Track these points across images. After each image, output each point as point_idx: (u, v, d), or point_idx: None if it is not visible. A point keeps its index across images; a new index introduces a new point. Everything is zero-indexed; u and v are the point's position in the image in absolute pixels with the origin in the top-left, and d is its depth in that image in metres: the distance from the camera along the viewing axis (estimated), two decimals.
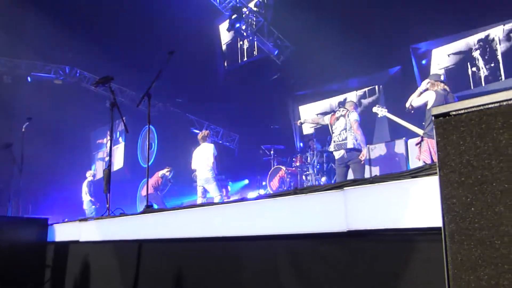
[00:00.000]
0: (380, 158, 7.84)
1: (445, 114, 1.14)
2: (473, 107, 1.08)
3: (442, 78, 5.99)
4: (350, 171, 6.93)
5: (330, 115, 7.41)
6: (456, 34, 9.47)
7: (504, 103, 1.03)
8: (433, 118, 1.18)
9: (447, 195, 1.08)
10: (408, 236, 1.67)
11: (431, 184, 1.60)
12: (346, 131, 6.84)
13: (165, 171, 10.91)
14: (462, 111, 1.11)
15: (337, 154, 6.96)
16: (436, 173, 1.63)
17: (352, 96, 11.62)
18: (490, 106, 1.05)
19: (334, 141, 7.04)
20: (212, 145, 8.40)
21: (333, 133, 7.12)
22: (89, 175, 12.15)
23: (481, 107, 1.07)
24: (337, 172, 7.17)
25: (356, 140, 6.73)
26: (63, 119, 13.75)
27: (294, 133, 13.14)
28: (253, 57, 14.38)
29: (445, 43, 9.75)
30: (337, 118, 7.09)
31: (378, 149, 7.92)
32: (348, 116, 6.90)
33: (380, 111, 6.83)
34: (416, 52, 10.30)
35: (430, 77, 6.08)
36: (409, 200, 1.70)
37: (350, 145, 6.72)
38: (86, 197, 11.77)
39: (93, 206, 11.59)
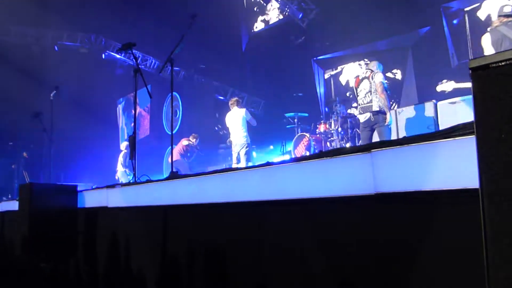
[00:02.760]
0: (408, 122, 7.64)
1: (484, 67, 1.05)
2: None
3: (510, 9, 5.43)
4: (375, 134, 6.79)
5: (354, 78, 7.21)
6: None
7: None
8: (470, 71, 1.09)
9: (486, 153, 1.00)
10: (439, 198, 1.60)
11: (464, 145, 1.52)
12: (371, 93, 6.64)
13: (191, 138, 10.96)
14: (503, 63, 1.02)
15: (362, 117, 6.79)
16: (469, 133, 1.55)
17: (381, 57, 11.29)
18: None
19: (359, 104, 6.88)
20: (244, 109, 8.44)
21: (358, 96, 6.94)
22: (123, 147, 12.20)
23: None
24: (361, 136, 7.02)
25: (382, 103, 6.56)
26: (89, 87, 13.90)
27: (319, 98, 12.95)
28: (277, 21, 14.09)
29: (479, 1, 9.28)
30: (361, 80, 6.89)
31: (406, 112, 7.70)
32: (372, 78, 6.69)
33: (447, 86, 6.50)
34: (447, 12, 9.87)
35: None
36: (441, 161, 1.62)
37: (375, 107, 6.54)
38: (120, 168, 11.93)
39: (129, 177, 11.70)
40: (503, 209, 0.95)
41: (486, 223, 0.98)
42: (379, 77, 6.63)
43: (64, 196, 5.21)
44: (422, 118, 7.42)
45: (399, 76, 10.98)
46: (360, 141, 7.49)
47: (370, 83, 6.68)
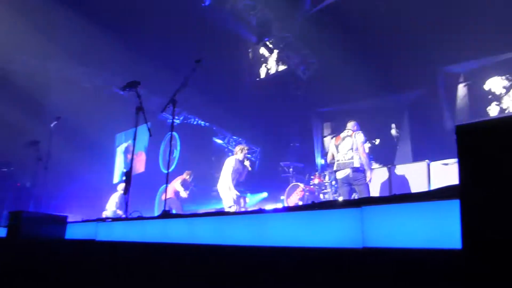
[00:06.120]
0: (401, 180, 7.72)
1: (469, 133, 1.12)
2: (500, 122, 1.05)
3: None
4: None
5: (335, 137, 7.38)
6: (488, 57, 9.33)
7: None
8: (456, 137, 1.16)
9: (470, 215, 1.06)
10: (425, 257, 1.64)
11: (452, 207, 1.57)
12: (352, 150, 6.79)
13: (185, 175, 10.83)
14: (487, 131, 1.09)
15: (342, 174, 6.88)
16: (455, 195, 1.61)
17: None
18: None
19: (338, 160, 6.95)
20: (234, 158, 8.32)
21: (338, 152, 7.03)
22: (120, 188, 11.80)
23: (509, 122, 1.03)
24: (340, 191, 7.07)
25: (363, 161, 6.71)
26: (89, 120, 14.00)
27: (315, 149, 13.08)
28: (279, 72, 14.46)
29: (475, 65, 9.60)
30: (343, 139, 7.05)
31: (399, 170, 7.79)
32: (354, 137, 6.87)
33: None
34: (443, 74, 10.19)
35: None
36: (427, 221, 1.67)
37: (356, 164, 6.67)
38: (112, 207, 11.62)
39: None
40: (485, 272, 1.00)
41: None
42: (360, 137, 6.85)
43: (52, 226, 5.17)
44: (414, 177, 7.49)
45: (394, 133, 11.15)
46: (340, 197, 7.49)
47: (352, 141, 6.85)
